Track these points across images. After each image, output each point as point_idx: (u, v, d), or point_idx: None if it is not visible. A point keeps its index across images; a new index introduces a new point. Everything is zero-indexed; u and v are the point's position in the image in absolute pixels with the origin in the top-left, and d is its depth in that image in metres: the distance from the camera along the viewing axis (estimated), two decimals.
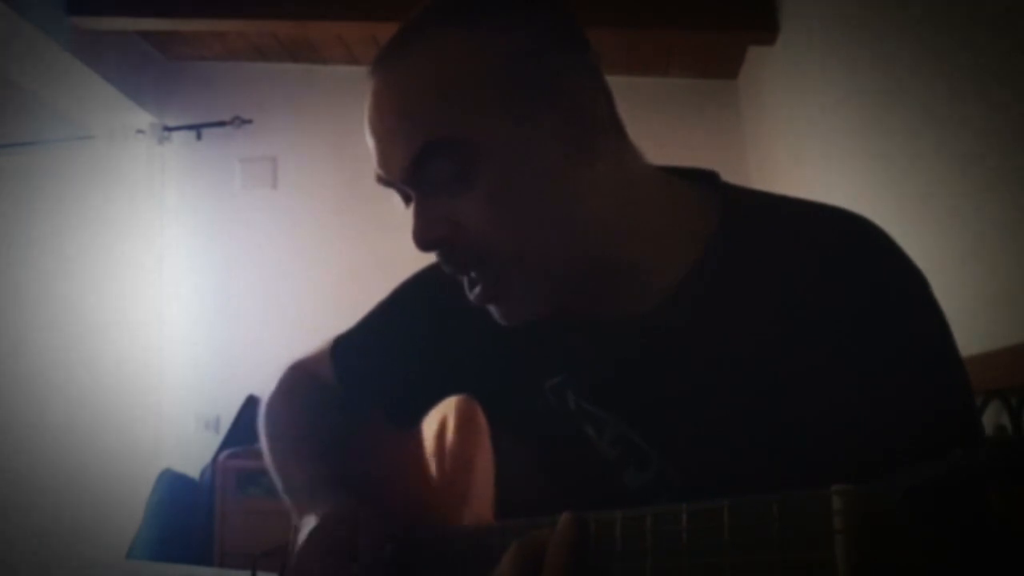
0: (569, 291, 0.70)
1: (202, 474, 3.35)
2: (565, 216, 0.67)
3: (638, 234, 0.71)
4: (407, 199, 0.70)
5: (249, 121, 3.76)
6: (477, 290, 0.69)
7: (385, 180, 0.70)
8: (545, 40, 0.67)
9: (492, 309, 0.70)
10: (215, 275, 3.70)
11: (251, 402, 3.29)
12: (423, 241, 0.67)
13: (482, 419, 0.70)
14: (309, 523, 0.75)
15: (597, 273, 0.71)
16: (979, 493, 0.34)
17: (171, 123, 3.78)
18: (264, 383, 0.97)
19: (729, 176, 0.78)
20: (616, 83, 0.72)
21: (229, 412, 3.39)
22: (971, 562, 0.34)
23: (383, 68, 0.68)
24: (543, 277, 0.68)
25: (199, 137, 3.78)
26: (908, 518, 0.36)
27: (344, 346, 0.93)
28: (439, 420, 0.77)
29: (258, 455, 0.93)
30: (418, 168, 0.66)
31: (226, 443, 3.31)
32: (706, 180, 0.75)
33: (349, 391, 0.91)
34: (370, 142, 0.69)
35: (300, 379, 0.95)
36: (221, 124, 3.76)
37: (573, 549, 0.51)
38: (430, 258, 0.90)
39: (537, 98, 0.66)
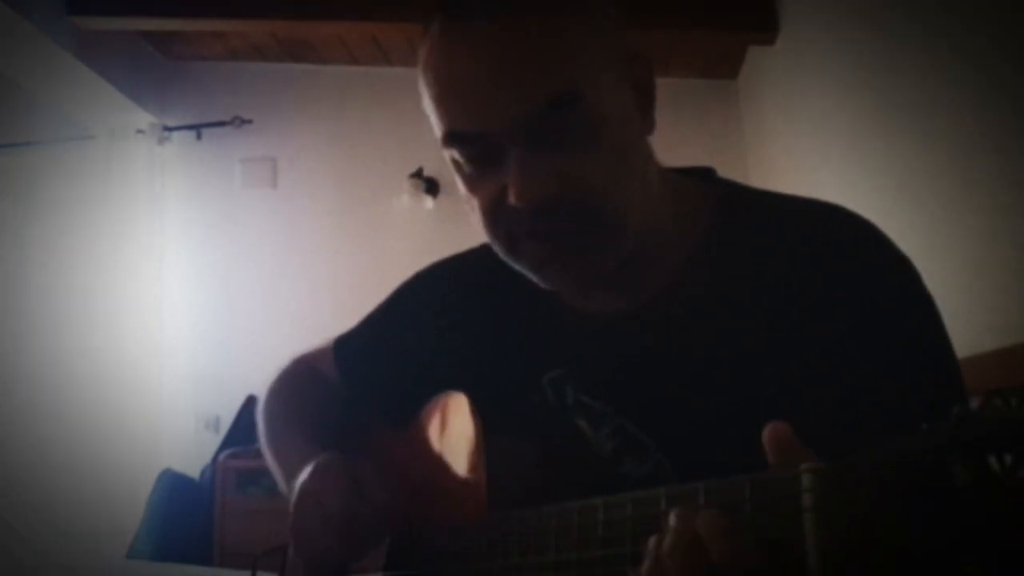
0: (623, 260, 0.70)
1: (202, 474, 3.35)
2: (641, 178, 0.69)
3: (653, 221, 0.72)
4: (482, 157, 0.66)
5: (249, 121, 3.76)
6: (550, 248, 0.67)
7: (474, 134, 0.65)
8: (617, 15, 0.70)
9: (555, 272, 0.69)
10: (215, 275, 3.70)
11: (251, 402, 3.29)
12: (533, 197, 0.64)
13: (477, 416, 0.70)
14: (307, 468, 0.74)
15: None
16: (945, 466, 0.34)
17: (171, 123, 3.78)
18: (264, 383, 0.98)
19: (728, 175, 0.79)
20: None
21: (229, 412, 3.40)
22: (938, 534, 0.34)
23: (491, 14, 0.64)
24: (624, 237, 0.68)
25: (199, 137, 3.78)
26: (876, 493, 0.36)
27: (346, 347, 0.94)
28: (435, 417, 0.77)
29: (258, 455, 0.94)
30: (536, 120, 0.63)
31: (226, 443, 3.31)
32: (702, 176, 0.76)
33: (350, 389, 0.92)
34: (462, 90, 0.65)
35: (302, 371, 0.96)
36: (221, 124, 3.76)
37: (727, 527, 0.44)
38: (429, 257, 0.91)
39: (623, 64, 0.68)
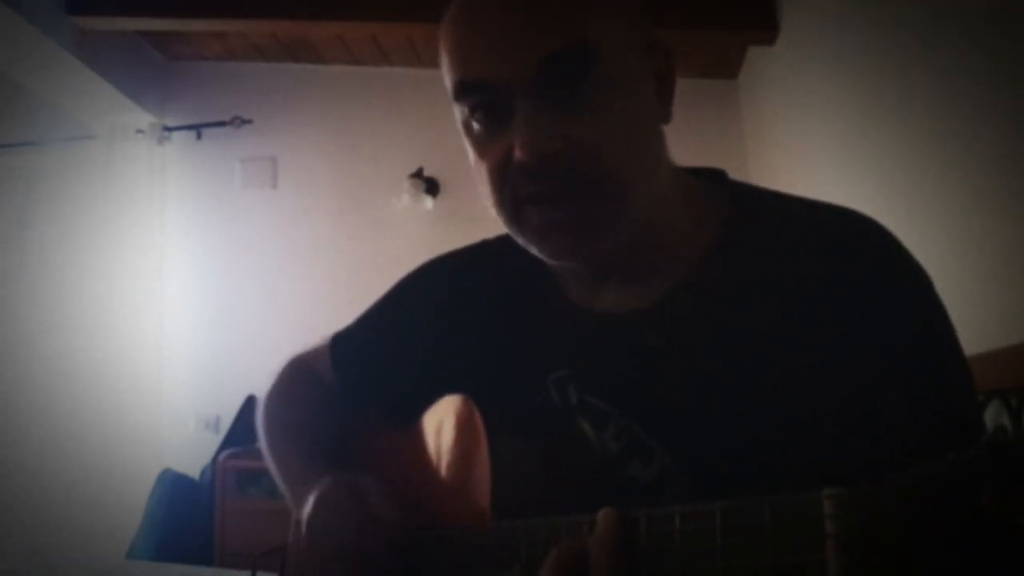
0: (627, 243, 0.69)
1: (202, 474, 3.35)
2: (652, 157, 0.69)
3: (665, 218, 0.72)
4: (490, 113, 0.66)
5: (249, 121, 3.76)
6: (554, 214, 0.66)
7: (483, 84, 0.65)
8: (646, 5, 0.72)
9: (557, 242, 0.69)
10: (215, 275, 3.70)
11: (251, 402, 3.28)
12: (538, 152, 0.64)
13: (479, 418, 0.69)
14: (311, 499, 0.74)
15: (634, 248, 0.71)
16: (973, 495, 0.34)
17: (171, 123, 3.78)
18: (264, 383, 0.97)
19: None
20: None
21: (229, 412, 3.39)
22: (963, 565, 0.34)
23: None
24: (627, 212, 0.67)
25: (199, 137, 3.78)
26: (899, 521, 0.36)
27: (343, 343, 0.93)
28: (436, 419, 0.76)
29: (258, 455, 0.93)
30: (545, 71, 0.63)
31: (226, 443, 3.31)
32: (714, 177, 0.76)
33: (348, 389, 0.91)
34: (475, 40, 0.65)
35: (299, 373, 0.95)
36: (221, 124, 3.76)
37: (621, 545, 0.48)
38: (428, 258, 0.91)
39: (649, 45, 0.69)
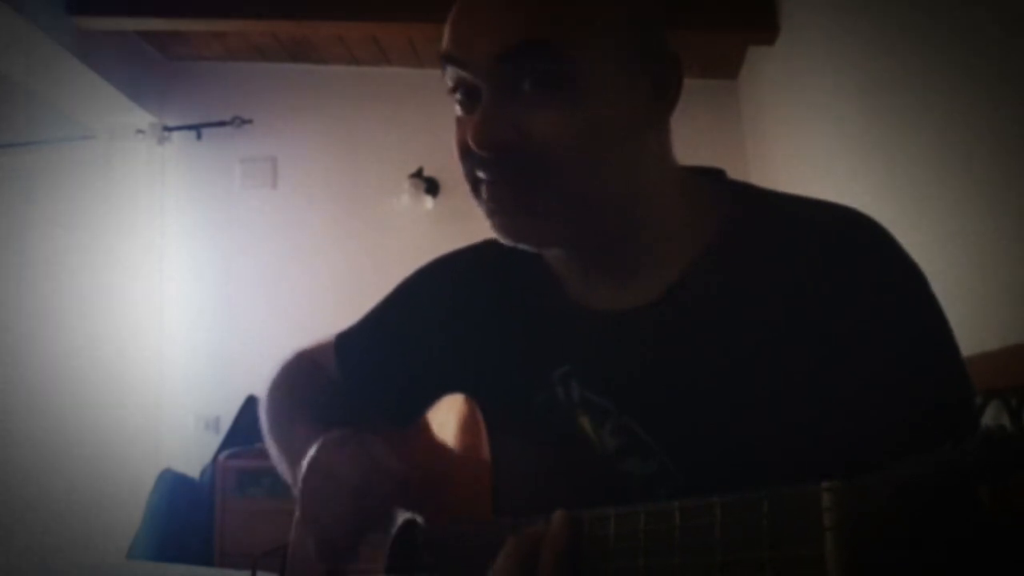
0: (587, 239, 0.71)
1: (202, 474, 3.35)
2: (621, 159, 0.69)
3: (659, 216, 0.72)
4: (467, 93, 0.69)
5: (249, 121, 3.76)
6: (503, 197, 0.68)
7: (457, 61, 0.68)
8: (653, 10, 0.72)
9: (501, 223, 0.70)
10: (215, 275, 3.70)
11: (251, 402, 3.28)
12: (487, 140, 0.66)
13: (480, 416, 0.70)
14: (314, 445, 0.74)
15: (618, 244, 0.72)
16: (969, 488, 0.34)
17: (171, 123, 3.78)
18: (264, 382, 0.98)
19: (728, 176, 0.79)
20: None
21: (229, 412, 3.39)
22: (961, 557, 0.34)
23: None
24: (579, 207, 0.68)
25: (199, 137, 3.78)
26: (898, 514, 0.36)
27: (348, 342, 0.93)
28: (438, 418, 0.77)
29: (258, 455, 0.93)
30: (509, 62, 0.65)
31: (226, 443, 3.31)
32: (713, 177, 0.77)
33: (352, 387, 0.91)
34: (459, 19, 0.69)
35: (304, 366, 0.96)
36: (221, 124, 3.76)
37: (566, 547, 0.51)
38: (428, 257, 0.91)
39: (637, 45, 0.69)
